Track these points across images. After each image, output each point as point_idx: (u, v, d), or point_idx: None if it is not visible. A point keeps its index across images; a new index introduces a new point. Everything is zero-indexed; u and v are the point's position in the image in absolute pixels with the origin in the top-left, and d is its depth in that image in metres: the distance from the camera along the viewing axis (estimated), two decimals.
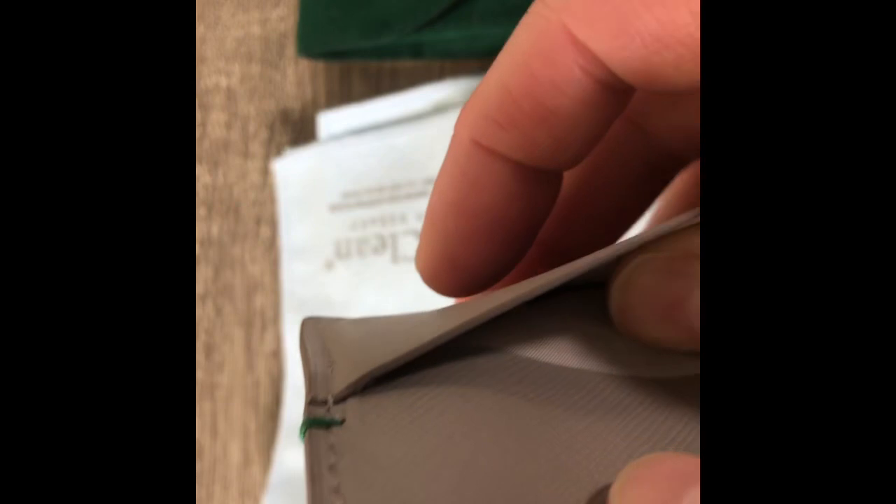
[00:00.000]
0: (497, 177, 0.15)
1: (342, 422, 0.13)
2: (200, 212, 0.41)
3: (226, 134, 0.41)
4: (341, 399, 0.13)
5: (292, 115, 0.41)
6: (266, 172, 0.41)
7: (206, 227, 0.41)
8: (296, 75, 0.41)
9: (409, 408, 0.13)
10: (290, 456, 0.36)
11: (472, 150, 0.15)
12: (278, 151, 0.41)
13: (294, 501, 0.35)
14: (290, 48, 0.41)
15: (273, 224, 0.40)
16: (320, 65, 0.41)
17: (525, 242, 0.16)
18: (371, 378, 0.13)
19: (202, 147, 0.41)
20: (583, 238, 0.19)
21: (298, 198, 0.39)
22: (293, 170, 0.39)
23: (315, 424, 0.12)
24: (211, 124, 0.42)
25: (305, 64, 0.41)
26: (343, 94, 0.40)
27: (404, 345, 0.14)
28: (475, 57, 0.38)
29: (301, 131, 0.41)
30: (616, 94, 0.14)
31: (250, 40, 0.42)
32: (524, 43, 0.15)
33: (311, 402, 0.13)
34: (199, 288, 0.40)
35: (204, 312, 0.40)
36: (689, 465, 0.11)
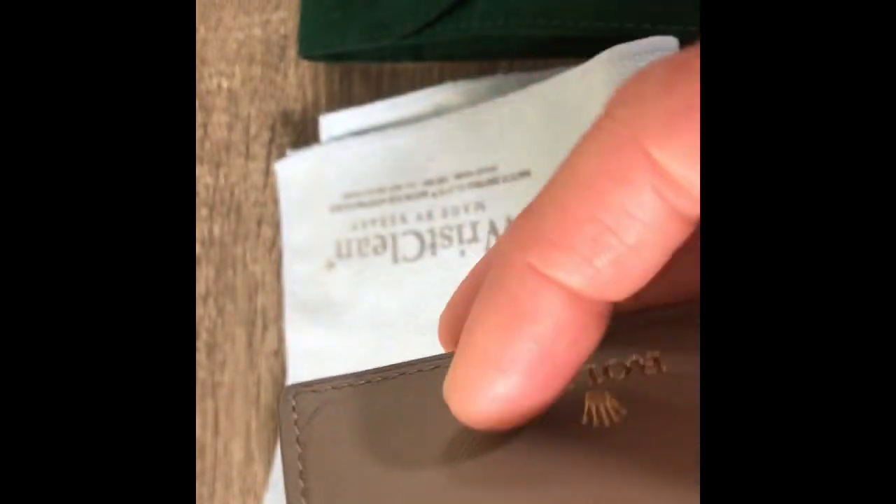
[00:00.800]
0: (550, 305, 0.14)
1: None
2: (202, 212, 0.41)
3: (227, 135, 0.42)
4: None
5: (293, 117, 0.41)
6: (267, 173, 0.41)
7: (208, 227, 0.41)
8: (297, 77, 0.41)
9: None
10: None
11: (526, 274, 0.14)
12: (279, 153, 0.41)
13: None
14: (292, 50, 0.41)
15: (274, 224, 0.40)
16: (321, 66, 0.41)
17: (564, 381, 0.15)
18: None
19: (203, 148, 0.42)
20: None
21: (300, 198, 0.39)
22: (294, 171, 0.39)
23: None
24: (212, 126, 0.42)
25: (306, 66, 0.41)
26: (344, 96, 0.40)
27: None
28: (475, 59, 0.38)
29: (302, 132, 0.41)
30: (688, 221, 0.13)
31: (251, 42, 0.42)
32: (590, 161, 0.13)
33: None
34: (201, 288, 0.41)
35: (205, 312, 0.40)
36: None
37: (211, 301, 0.40)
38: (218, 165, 0.41)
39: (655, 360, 0.16)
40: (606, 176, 0.13)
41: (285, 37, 0.42)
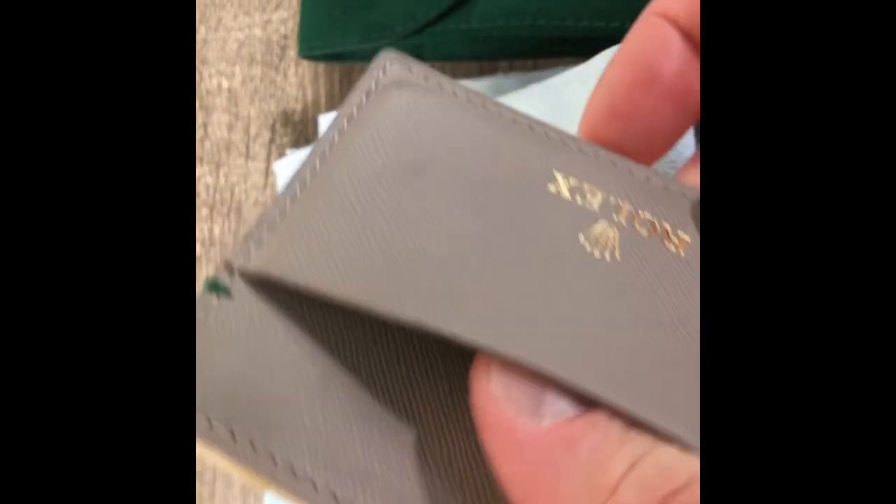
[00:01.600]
0: (666, 34, 0.20)
1: (231, 296, 0.15)
2: (202, 212, 0.41)
3: (227, 135, 0.42)
4: (246, 278, 0.15)
5: (293, 117, 0.41)
6: (267, 173, 0.41)
7: (208, 227, 0.41)
8: (297, 77, 0.41)
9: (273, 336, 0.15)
10: None
11: (651, 17, 0.20)
12: (280, 153, 0.41)
13: None
14: (292, 50, 0.41)
15: None
16: (321, 66, 0.41)
17: (675, 111, 0.20)
18: (275, 281, 0.15)
19: (204, 148, 0.42)
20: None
21: None
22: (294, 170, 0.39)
23: (211, 287, 0.15)
24: (212, 125, 0.42)
25: (306, 66, 0.41)
26: (344, 96, 0.40)
27: (342, 282, 0.15)
28: (475, 58, 0.38)
29: (302, 132, 0.41)
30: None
31: (252, 42, 0.42)
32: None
33: (225, 265, 0.15)
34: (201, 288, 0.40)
35: None
36: None
37: None
38: (218, 165, 0.41)
39: (682, 242, 0.16)
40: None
41: (285, 37, 0.42)
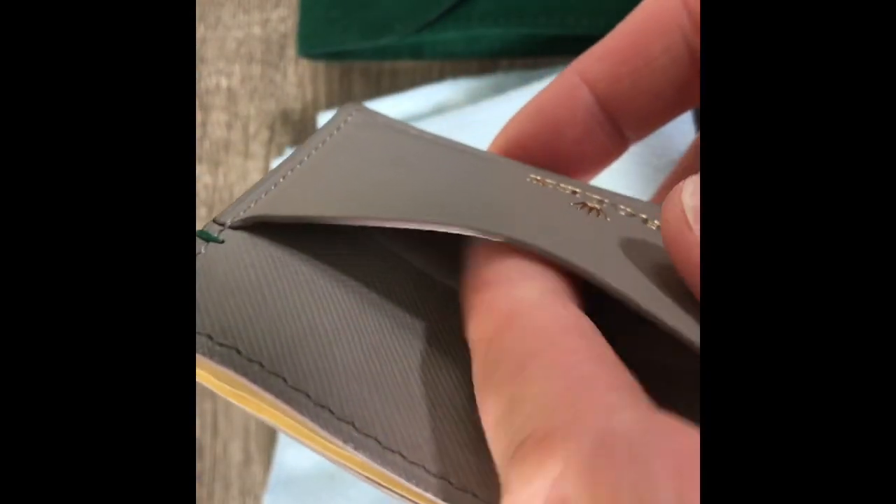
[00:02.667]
0: (578, 98, 0.20)
1: (222, 242, 0.15)
2: (201, 212, 0.41)
3: (226, 134, 0.42)
4: (237, 226, 0.16)
5: (293, 116, 0.41)
6: (266, 173, 0.41)
7: None
8: (296, 76, 0.41)
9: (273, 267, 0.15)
10: (291, 455, 0.36)
11: (572, 74, 0.20)
12: (279, 151, 0.41)
13: (295, 500, 0.35)
14: (291, 49, 0.41)
15: None
16: (321, 65, 0.41)
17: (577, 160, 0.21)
18: (261, 221, 0.16)
19: (203, 147, 0.41)
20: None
21: None
22: None
23: (201, 235, 0.15)
24: (211, 125, 0.42)
25: (306, 64, 0.41)
26: (343, 95, 0.40)
27: (323, 203, 0.16)
28: (475, 57, 0.38)
29: (301, 131, 0.41)
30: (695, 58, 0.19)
31: (251, 41, 0.42)
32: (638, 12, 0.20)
33: (214, 220, 0.16)
34: None
35: None
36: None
37: None
38: (217, 164, 0.41)
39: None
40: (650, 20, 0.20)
41: (285, 35, 0.41)
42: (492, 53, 0.38)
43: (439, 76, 0.39)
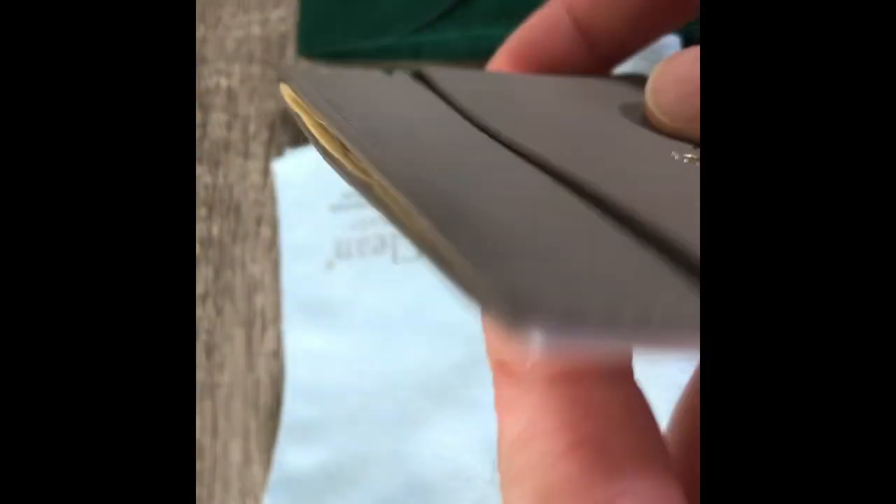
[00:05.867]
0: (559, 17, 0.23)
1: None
2: (201, 212, 0.41)
3: (226, 134, 0.41)
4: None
5: (293, 116, 0.41)
6: (266, 173, 0.41)
7: (207, 227, 0.41)
8: None
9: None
10: (291, 456, 0.36)
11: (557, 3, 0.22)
12: (279, 152, 0.41)
13: (295, 501, 0.35)
14: (291, 49, 0.41)
15: (273, 224, 0.40)
16: (321, 65, 0.41)
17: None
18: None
19: (203, 147, 0.41)
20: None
21: (299, 198, 0.39)
22: (294, 170, 0.39)
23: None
24: (211, 125, 0.42)
25: (306, 64, 0.41)
26: None
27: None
28: (475, 58, 0.38)
29: (301, 131, 0.41)
30: None
31: (251, 41, 0.42)
32: None
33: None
34: (200, 288, 0.40)
35: (204, 312, 0.40)
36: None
37: (210, 301, 0.40)
38: (217, 165, 0.41)
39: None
40: None
41: (285, 35, 0.41)
42: (492, 53, 0.38)
43: None
